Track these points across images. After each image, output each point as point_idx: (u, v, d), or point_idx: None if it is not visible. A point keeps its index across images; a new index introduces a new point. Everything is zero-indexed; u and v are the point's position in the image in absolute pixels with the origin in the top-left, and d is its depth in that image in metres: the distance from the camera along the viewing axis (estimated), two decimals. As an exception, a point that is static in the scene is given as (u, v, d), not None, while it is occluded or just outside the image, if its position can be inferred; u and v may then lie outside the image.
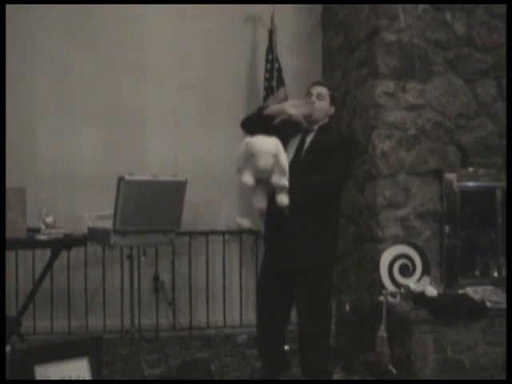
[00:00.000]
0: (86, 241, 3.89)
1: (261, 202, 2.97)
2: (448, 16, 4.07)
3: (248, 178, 2.86)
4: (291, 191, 2.94)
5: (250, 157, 2.84)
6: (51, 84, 4.66)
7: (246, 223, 4.69)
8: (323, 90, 3.28)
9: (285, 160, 2.89)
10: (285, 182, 2.89)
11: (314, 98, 3.24)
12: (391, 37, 3.99)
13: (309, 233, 3.16)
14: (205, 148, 4.77)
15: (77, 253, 4.41)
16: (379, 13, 3.97)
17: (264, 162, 2.82)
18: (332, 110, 3.32)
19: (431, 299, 3.59)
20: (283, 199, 2.91)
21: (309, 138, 3.22)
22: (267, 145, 2.85)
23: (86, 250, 4.44)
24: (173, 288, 4.64)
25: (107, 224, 3.59)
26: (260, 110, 3.29)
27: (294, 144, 3.23)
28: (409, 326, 3.48)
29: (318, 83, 3.40)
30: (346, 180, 3.36)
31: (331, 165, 3.08)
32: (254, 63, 4.94)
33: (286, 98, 4.61)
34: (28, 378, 2.51)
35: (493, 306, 3.54)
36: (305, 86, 4.81)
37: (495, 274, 4.08)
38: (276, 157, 2.85)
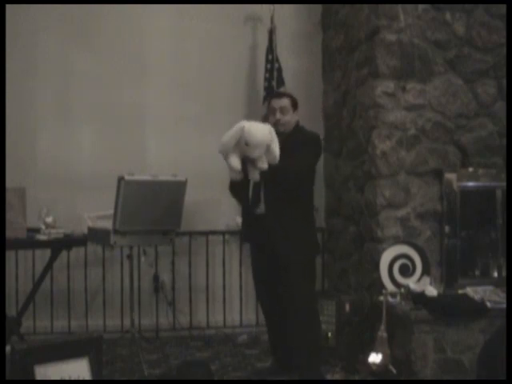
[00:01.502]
0: (86, 241, 3.89)
1: (238, 174, 3.09)
2: (448, 16, 4.07)
3: (237, 163, 2.98)
4: (265, 177, 3.07)
5: (243, 144, 2.93)
6: (51, 84, 4.66)
7: (245, 223, 4.69)
8: (285, 102, 3.35)
9: (277, 149, 3.00)
10: (266, 165, 3.02)
11: (278, 114, 3.32)
12: (391, 37, 3.98)
13: (289, 228, 3.24)
14: (205, 148, 4.74)
15: (77, 253, 4.40)
16: (379, 13, 3.97)
17: (258, 153, 2.94)
18: (296, 117, 3.40)
19: (431, 299, 3.59)
20: (255, 175, 3.06)
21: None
22: (263, 136, 2.95)
23: (86, 250, 4.44)
24: (173, 288, 4.63)
25: (107, 224, 3.59)
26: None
27: None
28: (409, 325, 3.48)
29: (278, 95, 3.49)
30: (311, 171, 3.42)
31: (298, 155, 3.20)
32: (254, 63, 4.94)
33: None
34: (28, 378, 2.51)
35: (493, 306, 3.54)
36: (305, 86, 4.85)
37: (495, 274, 4.08)
38: (269, 146, 2.96)
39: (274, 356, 3.61)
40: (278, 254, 3.26)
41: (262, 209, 3.29)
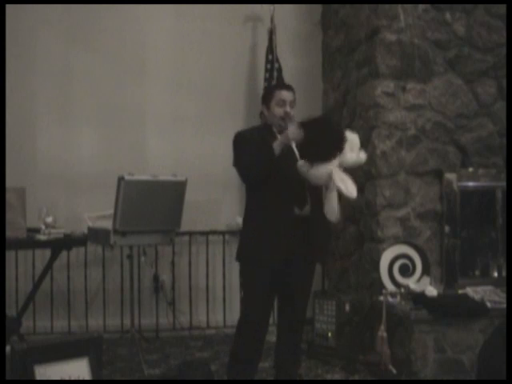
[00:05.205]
0: (86, 241, 3.89)
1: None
2: (448, 16, 4.07)
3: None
4: None
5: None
6: (51, 84, 4.66)
7: (246, 223, 4.68)
8: (294, 97, 3.02)
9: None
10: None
11: (288, 107, 2.98)
12: (391, 37, 3.98)
13: (328, 231, 3.10)
14: (205, 148, 4.77)
15: (77, 253, 4.41)
16: (379, 13, 3.97)
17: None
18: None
19: (431, 299, 3.59)
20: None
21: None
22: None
23: (86, 249, 4.44)
24: (173, 288, 4.64)
25: (107, 224, 3.60)
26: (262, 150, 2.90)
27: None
28: (409, 326, 3.48)
29: (288, 88, 3.07)
30: None
31: None
32: (254, 63, 4.94)
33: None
34: (28, 378, 2.51)
35: (493, 306, 3.54)
36: (305, 86, 4.83)
37: (495, 274, 4.08)
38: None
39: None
40: (318, 259, 3.03)
41: (306, 210, 2.93)
